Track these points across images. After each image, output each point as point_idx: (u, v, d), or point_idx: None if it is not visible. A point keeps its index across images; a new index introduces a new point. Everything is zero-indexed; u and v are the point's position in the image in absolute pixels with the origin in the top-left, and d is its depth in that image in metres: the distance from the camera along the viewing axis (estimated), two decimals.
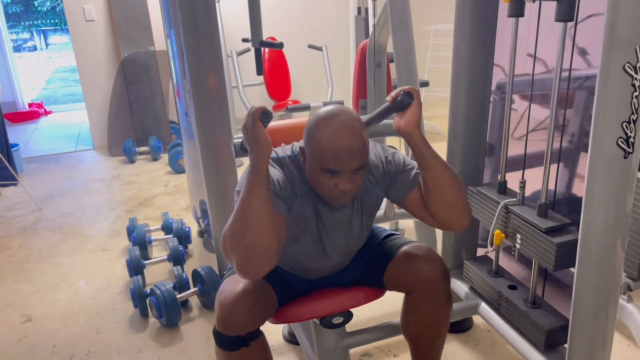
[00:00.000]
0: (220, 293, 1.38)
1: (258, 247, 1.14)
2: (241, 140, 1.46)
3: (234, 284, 1.37)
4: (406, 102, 1.28)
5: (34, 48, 14.11)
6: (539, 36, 1.56)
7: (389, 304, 1.67)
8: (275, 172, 1.31)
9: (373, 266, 1.53)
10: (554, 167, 1.58)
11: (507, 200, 1.60)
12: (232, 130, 2.19)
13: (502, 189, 1.68)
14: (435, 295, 1.44)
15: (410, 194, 1.37)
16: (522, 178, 1.59)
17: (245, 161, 1.47)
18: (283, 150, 1.39)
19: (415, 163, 1.37)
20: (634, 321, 1.80)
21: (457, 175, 1.33)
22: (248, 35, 2.76)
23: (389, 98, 1.30)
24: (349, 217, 1.40)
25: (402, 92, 1.28)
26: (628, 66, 1.10)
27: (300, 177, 1.34)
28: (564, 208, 1.71)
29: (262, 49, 2.73)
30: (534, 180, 1.65)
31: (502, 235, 1.61)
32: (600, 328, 1.35)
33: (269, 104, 4.43)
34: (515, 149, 1.74)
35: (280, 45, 2.42)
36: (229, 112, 2.16)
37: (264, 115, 1.17)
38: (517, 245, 1.56)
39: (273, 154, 1.36)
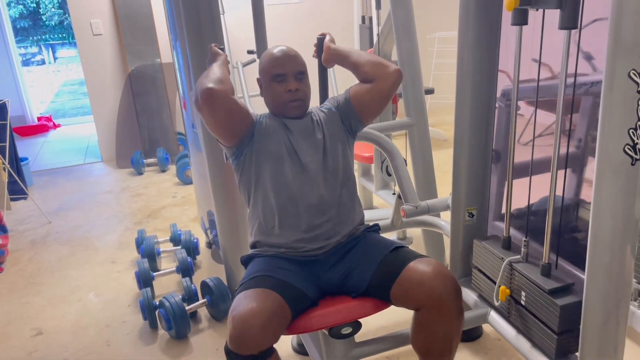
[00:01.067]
0: (232, 310, 1.35)
1: (219, 78, 1.49)
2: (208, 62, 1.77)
3: (246, 301, 1.35)
4: (321, 38, 1.75)
5: (43, 62, 14.28)
6: (544, 40, 1.56)
7: (398, 313, 1.66)
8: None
9: (380, 279, 1.51)
10: (560, 174, 1.57)
11: (511, 258, 1.63)
12: None
13: (507, 244, 1.71)
14: (446, 312, 1.41)
15: (350, 92, 1.66)
16: (526, 236, 1.61)
17: None
18: None
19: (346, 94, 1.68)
20: None
21: (370, 56, 1.66)
22: (253, 47, 2.78)
23: (314, 55, 1.79)
24: (311, 127, 1.62)
25: (317, 39, 1.75)
26: (633, 73, 1.10)
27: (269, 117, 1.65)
28: (572, 214, 1.70)
29: None
30: (542, 184, 1.64)
31: (508, 291, 1.64)
32: (611, 335, 1.34)
33: None
34: (521, 155, 1.73)
35: None
36: None
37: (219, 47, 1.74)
38: (522, 302, 1.59)
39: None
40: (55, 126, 6.37)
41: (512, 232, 1.77)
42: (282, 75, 1.57)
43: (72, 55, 14.47)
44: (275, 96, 1.60)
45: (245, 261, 1.66)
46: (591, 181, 1.59)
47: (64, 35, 14.69)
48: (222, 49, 1.74)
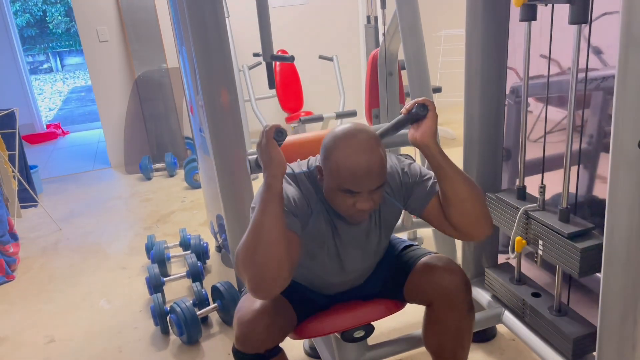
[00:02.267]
0: (238, 311, 1.37)
1: (270, 265, 1.14)
2: (256, 156, 1.46)
3: (251, 302, 1.36)
4: (421, 114, 1.27)
5: (50, 70, 14.39)
6: (552, 35, 1.54)
7: (411, 315, 1.65)
8: (290, 189, 1.30)
9: (393, 279, 1.52)
10: (573, 169, 1.55)
11: (527, 206, 1.57)
12: (246, 145, 2.20)
13: (522, 194, 1.65)
14: (456, 307, 1.41)
15: (428, 205, 1.35)
16: (542, 182, 1.56)
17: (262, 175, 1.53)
18: (299, 166, 1.38)
19: (432, 173, 1.36)
20: None
21: (476, 184, 1.31)
22: (259, 50, 2.78)
23: (403, 110, 1.29)
24: (367, 231, 1.39)
25: (416, 104, 1.27)
26: None
27: (316, 192, 1.33)
28: (585, 211, 1.68)
29: (274, 62, 2.75)
30: (553, 183, 1.62)
31: (524, 241, 1.58)
32: (629, 333, 1.31)
33: (281, 116, 4.44)
34: (532, 152, 1.71)
35: (292, 58, 2.43)
36: (243, 126, 2.16)
37: (278, 134, 1.17)
38: (540, 252, 1.52)
39: (288, 170, 1.35)
40: (64, 133, 6.41)
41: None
42: (355, 192, 1.23)
43: (80, 63, 14.58)
44: (339, 206, 1.27)
45: None
46: (603, 177, 1.57)
47: (71, 42, 14.79)
48: (284, 135, 1.19)
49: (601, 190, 1.60)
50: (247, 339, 1.31)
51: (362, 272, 1.49)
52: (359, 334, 1.49)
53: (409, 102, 1.29)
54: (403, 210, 1.46)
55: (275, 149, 1.16)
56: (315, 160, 1.39)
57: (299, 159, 1.44)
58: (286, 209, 1.23)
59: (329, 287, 1.50)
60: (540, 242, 1.52)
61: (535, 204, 1.57)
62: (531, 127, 1.77)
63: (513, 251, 1.61)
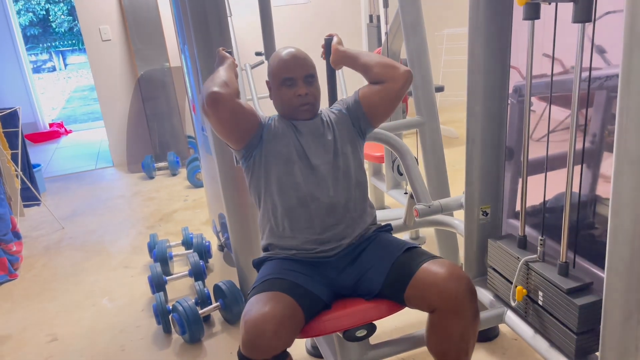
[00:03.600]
0: (245, 315, 1.33)
1: (225, 80, 1.50)
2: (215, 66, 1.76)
3: (259, 305, 1.34)
4: (329, 40, 1.74)
5: (53, 69, 14.42)
6: (555, 34, 1.53)
7: (413, 315, 1.64)
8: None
9: (393, 281, 1.49)
10: (577, 169, 1.54)
11: (527, 257, 1.60)
12: None
13: (522, 243, 1.67)
14: (461, 314, 1.39)
15: (359, 94, 1.65)
16: (542, 235, 1.58)
17: None
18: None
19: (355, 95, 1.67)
20: None
21: (371, 54, 1.67)
22: (261, 49, 2.77)
23: (322, 56, 1.77)
24: (322, 128, 1.61)
25: (325, 40, 1.74)
26: None
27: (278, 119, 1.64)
28: (588, 210, 1.67)
29: None
30: (556, 182, 1.61)
31: (524, 291, 1.61)
32: (633, 333, 1.30)
33: None
34: (534, 151, 1.70)
35: None
36: None
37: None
38: (540, 302, 1.56)
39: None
40: (67, 132, 6.43)
41: (528, 230, 1.75)
42: (291, 79, 1.56)
43: (82, 62, 14.60)
44: (284, 100, 1.58)
45: (257, 264, 1.65)
46: (607, 177, 1.56)
47: (74, 41, 14.82)
48: (230, 53, 1.73)
49: (604, 190, 1.59)
50: (255, 344, 1.27)
51: (335, 186, 1.56)
52: (361, 333, 1.49)
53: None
54: (406, 209, 1.45)
55: (226, 54, 1.69)
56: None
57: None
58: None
59: (320, 215, 1.54)
60: (540, 293, 1.55)
61: (535, 255, 1.59)
62: (534, 127, 1.76)
63: (514, 300, 1.65)
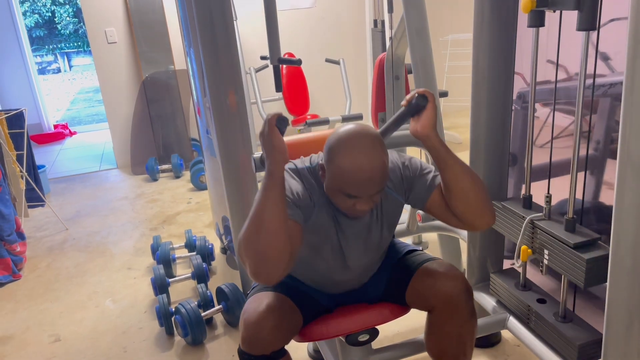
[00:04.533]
0: (244, 312, 1.37)
1: (271, 251, 1.16)
2: (261, 154, 1.47)
3: (257, 303, 1.37)
4: (421, 104, 1.26)
5: (58, 70, 14.47)
6: (560, 41, 1.54)
7: (415, 320, 1.65)
8: (293, 182, 1.32)
9: (395, 283, 1.52)
10: (580, 175, 1.54)
11: (533, 215, 1.56)
12: (252, 146, 2.21)
13: (528, 203, 1.64)
14: (457, 312, 1.41)
15: (430, 197, 1.36)
16: (548, 192, 1.56)
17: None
18: (302, 162, 1.40)
19: (432, 167, 1.38)
20: None
21: (477, 175, 1.32)
22: (266, 53, 2.78)
23: (403, 102, 1.29)
24: (369, 225, 1.40)
25: (416, 95, 1.27)
26: None
27: (319, 187, 1.35)
28: (591, 218, 1.67)
29: (281, 65, 2.75)
30: (559, 189, 1.62)
31: (529, 250, 1.58)
32: (635, 340, 1.30)
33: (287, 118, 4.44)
34: (538, 158, 1.71)
35: (299, 62, 2.44)
36: (249, 128, 2.17)
37: (280, 122, 1.19)
38: (545, 261, 1.52)
39: (292, 165, 1.37)
40: (72, 134, 6.45)
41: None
42: (356, 197, 1.26)
43: (88, 63, 14.64)
44: (339, 204, 1.30)
45: None
46: (610, 184, 1.57)
47: (79, 43, 14.88)
48: (285, 123, 1.20)
49: (607, 197, 1.60)
50: (254, 340, 1.31)
51: (365, 269, 1.49)
52: (363, 337, 1.49)
53: (409, 94, 1.29)
54: (409, 214, 1.46)
55: (277, 136, 1.18)
56: (318, 157, 1.41)
57: (302, 156, 1.46)
58: (289, 200, 1.25)
59: (333, 285, 1.50)
60: (546, 251, 1.51)
61: (541, 213, 1.57)
62: (537, 133, 1.77)
63: (519, 259, 1.61)
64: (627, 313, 1.27)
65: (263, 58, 4.24)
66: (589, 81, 1.46)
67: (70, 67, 14.84)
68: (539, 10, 1.41)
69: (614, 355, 1.32)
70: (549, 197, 1.54)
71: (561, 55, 1.58)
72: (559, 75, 1.62)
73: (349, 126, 1.27)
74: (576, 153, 1.42)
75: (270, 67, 2.50)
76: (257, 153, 1.82)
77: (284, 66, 4.08)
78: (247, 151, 2.14)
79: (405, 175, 1.40)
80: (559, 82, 1.63)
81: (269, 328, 1.31)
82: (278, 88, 2.43)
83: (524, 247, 1.59)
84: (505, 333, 2.01)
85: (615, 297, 1.28)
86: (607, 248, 1.35)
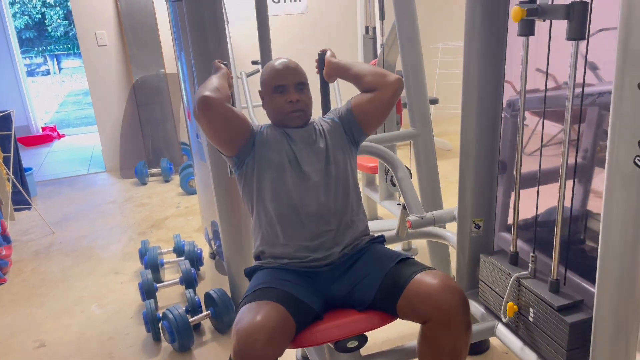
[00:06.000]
0: (237, 323, 1.33)
1: (219, 89, 1.52)
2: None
3: (251, 314, 1.33)
4: (322, 54, 1.77)
5: (47, 72, 14.36)
6: (550, 50, 1.55)
7: (404, 326, 1.64)
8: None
9: (386, 291, 1.49)
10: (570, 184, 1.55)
11: (519, 274, 1.61)
12: None
13: (514, 260, 1.68)
14: (454, 326, 1.39)
15: (352, 103, 1.68)
16: (533, 252, 1.59)
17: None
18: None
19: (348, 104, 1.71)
20: None
21: (363, 63, 1.71)
22: (258, 57, 2.77)
23: (316, 70, 1.81)
24: (314, 136, 1.63)
25: (318, 55, 1.77)
26: None
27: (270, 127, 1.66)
28: (580, 225, 1.68)
29: None
30: (547, 196, 1.62)
31: (515, 307, 1.62)
32: (622, 349, 1.32)
33: None
34: (527, 166, 1.71)
35: None
36: None
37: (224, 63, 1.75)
38: (530, 319, 1.56)
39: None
40: (60, 136, 6.39)
41: (520, 243, 1.75)
42: (282, 86, 1.60)
43: (77, 66, 14.56)
44: (276, 107, 1.62)
45: (249, 273, 1.64)
46: (598, 192, 1.58)
47: (69, 45, 14.80)
48: (226, 64, 1.76)
49: (595, 205, 1.61)
50: (247, 353, 1.27)
51: (326, 193, 1.57)
52: (352, 344, 1.48)
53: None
54: (399, 220, 1.45)
55: (221, 65, 1.72)
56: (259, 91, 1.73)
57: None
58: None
59: (308, 226, 1.54)
60: (531, 309, 1.55)
61: (527, 272, 1.60)
62: (526, 141, 1.78)
63: (505, 316, 1.65)
64: (615, 322, 1.30)
65: (254, 63, 4.25)
66: (578, 90, 1.47)
67: (60, 69, 14.73)
68: (529, 19, 1.42)
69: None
70: (534, 257, 1.58)
71: (550, 64, 1.59)
72: (548, 84, 1.63)
73: None
74: (565, 163, 1.43)
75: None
76: None
77: None
78: None
79: (333, 112, 1.76)
80: (548, 90, 1.64)
81: (262, 341, 1.27)
82: None
83: (510, 303, 1.63)
84: (493, 340, 2.02)
85: (602, 306, 1.29)
86: (590, 312, 1.39)
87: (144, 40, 4.49)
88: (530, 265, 1.59)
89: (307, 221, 1.55)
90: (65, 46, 14.71)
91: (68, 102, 10.48)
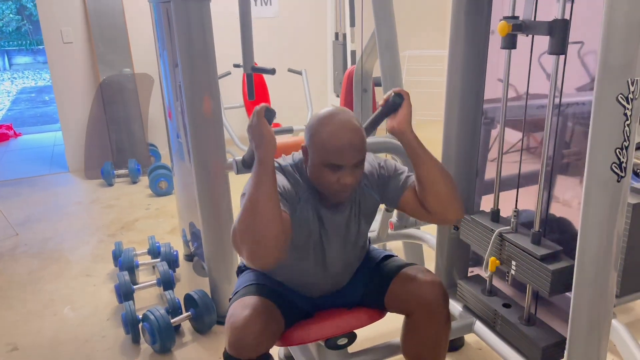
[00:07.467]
0: (230, 316, 1.39)
1: (267, 235, 1.20)
2: (245, 153, 1.50)
3: (243, 307, 1.38)
4: (397, 102, 1.40)
5: None
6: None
7: (389, 324, 1.70)
8: (279, 177, 1.38)
9: (373, 287, 1.57)
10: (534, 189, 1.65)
11: (501, 229, 1.67)
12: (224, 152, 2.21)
13: (495, 217, 1.75)
14: (435, 317, 1.49)
15: (403, 195, 1.47)
16: (516, 207, 1.67)
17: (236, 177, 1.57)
18: (284, 160, 1.47)
19: (405, 168, 1.51)
20: (619, 337, 1.88)
21: (447, 170, 1.45)
22: (235, 61, 2.79)
23: (381, 102, 1.43)
24: (347, 220, 1.48)
25: (392, 94, 1.40)
26: (621, 97, 1.19)
27: (303, 181, 1.43)
28: (547, 228, 1.79)
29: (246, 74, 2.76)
30: (512, 201, 1.72)
31: (497, 261, 1.68)
32: (595, 344, 1.41)
33: None
34: (492, 172, 1.81)
35: (273, 71, 2.47)
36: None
37: (268, 113, 1.27)
38: (512, 272, 1.63)
39: (275, 163, 1.41)
40: (16, 135, 6.16)
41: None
42: (339, 166, 1.33)
43: (29, 62, 14.04)
44: (324, 181, 1.36)
45: (239, 271, 1.68)
46: (558, 198, 1.69)
47: (21, 42, 14.25)
48: (273, 114, 1.29)
49: (557, 209, 1.71)
50: (241, 344, 1.32)
51: (344, 270, 1.55)
52: (342, 341, 1.53)
53: (386, 94, 1.42)
54: (380, 222, 1.52)
55: (266, 126, 1.25)
56: (299, 154, 1.47)
57: (283, 155, 1.52)
58: (278, 192, 1.29)
59: (313, 287, 1.55)
60: (514, 262, 1.62)
61: (509, 227, 1.67)
62: (494, 147, 1.88)
63: (487, 269, 1.71)
64: (589, 317, 1.38)
65: (236, 66, 4.24)
66: (544, 101, 1.56)
67: (10, 65, 14.16)
68: (512, 34, 1.51)
69: (577, 356, 1.42)
70: (516, 212, 1.65)
71: (512, 75, 1.68)
72: (510, 94, 1.73)
73: (328, 107, 1.39)
74: (543, 168, 1.52)
75: (232, 74, 2.52)
76: (238, 157, 1.83)
77: (245, 74, 4.09)
78: (220, 155, 2.14)
79: (380, 174, 1.49)
80: (511, 100, 1.74)
81: (255, 332, 1.33)
82: (251, 96, 2.45)
83: (492, 258, 1.68)
84: (468, 337, 2.11)
85: (578, 303, 1.38)
86: (570, 260, 1.47)
87: (112, 39, 4.41)
88: (512, 220, 1.65)
89: (316, 288, 1.57)
90: (17, 42, 14.15)
91: (21, 99, 10.10)
